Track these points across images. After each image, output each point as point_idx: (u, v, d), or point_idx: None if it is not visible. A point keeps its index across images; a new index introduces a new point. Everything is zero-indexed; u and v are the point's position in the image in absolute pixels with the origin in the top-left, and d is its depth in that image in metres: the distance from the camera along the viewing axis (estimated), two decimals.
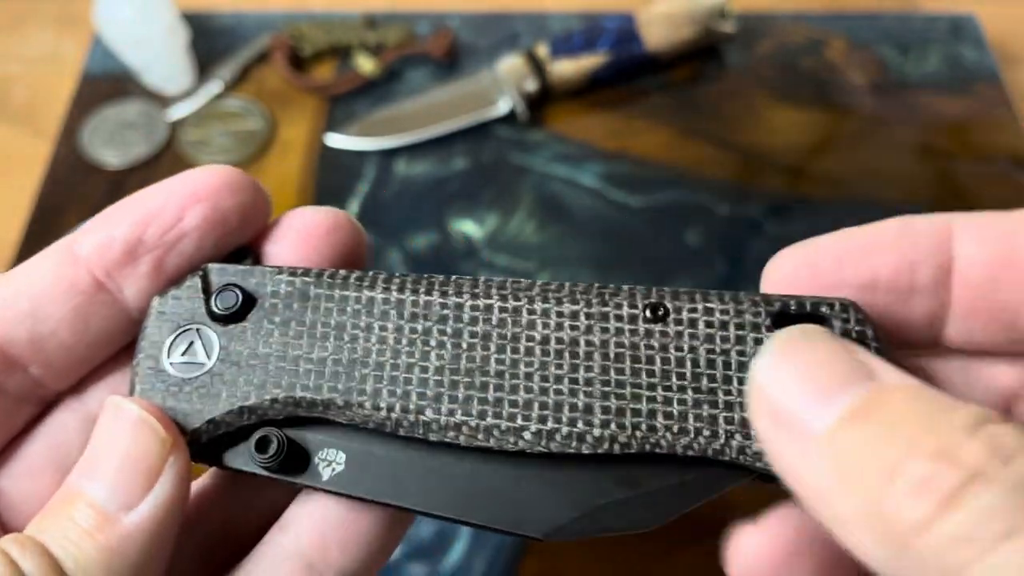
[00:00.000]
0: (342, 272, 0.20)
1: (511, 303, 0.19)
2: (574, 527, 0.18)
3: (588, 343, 0.19)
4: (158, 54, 0.53)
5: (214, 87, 0.54)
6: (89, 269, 0.21)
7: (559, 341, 0.19)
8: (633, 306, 0.19)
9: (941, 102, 0.54)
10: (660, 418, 0.18)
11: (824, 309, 0.19)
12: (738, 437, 0.18)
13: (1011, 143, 0.52)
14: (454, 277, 0.20)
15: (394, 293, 0.19)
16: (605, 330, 0.19)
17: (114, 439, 0.19)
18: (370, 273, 0.20)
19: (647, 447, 0.18)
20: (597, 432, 0.18)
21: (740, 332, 0.19)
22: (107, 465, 0.19)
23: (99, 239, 0.21)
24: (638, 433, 0.18)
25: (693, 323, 0.19)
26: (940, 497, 0.13)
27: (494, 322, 0.19)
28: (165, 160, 0.52)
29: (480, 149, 0.52)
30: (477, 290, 0.19)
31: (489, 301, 0.19)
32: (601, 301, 0.19)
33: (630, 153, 0.52)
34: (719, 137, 0.53)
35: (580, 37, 0.53)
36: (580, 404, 0.18)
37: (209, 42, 0.57)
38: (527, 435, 0.18)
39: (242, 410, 0.19)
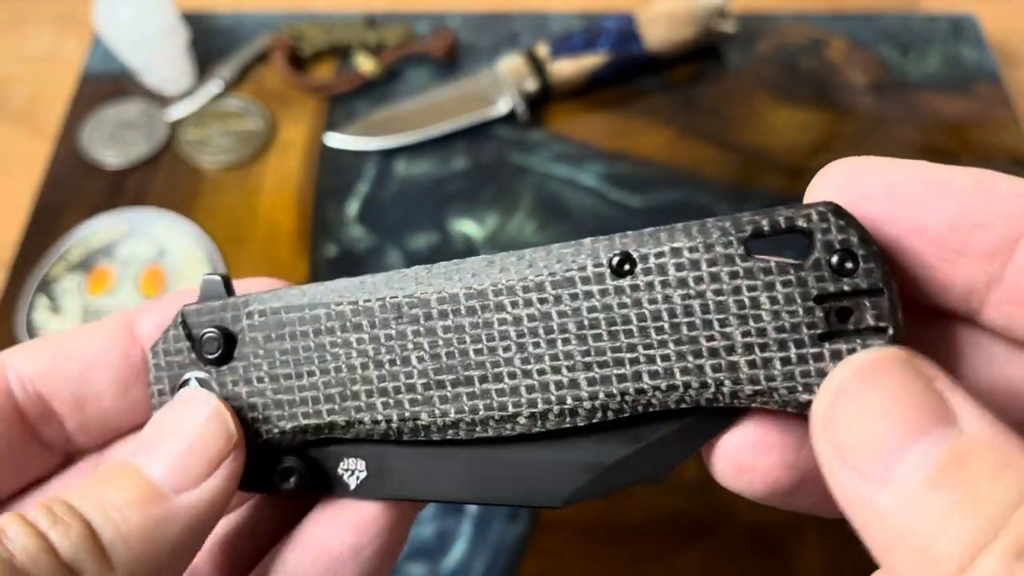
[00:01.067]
0: (302, 288, 0.20)
1: (475, 287, 0.18)
2: (588, 490, 0.18)
3: (560, 314, 0.18)
4: (158, 54, 0.53)
5: (214, 87, 0.54)
6: (143, 347, 0.23)
7: (531, 318, 0.18)
8: (598, 263, 0.18)
9: (941, 102, 0.54)
10: (646, 378, 0.17)
11: (802, 223, 0.17)
12: (728, 383, 0.17)
13: (1011, 143, 0.52)
14: (406, 271, 0.19)
15: (361, 302, 0.19)
16: (574, 296, 0.18)
17: (184, 424, 0.19)
18: (330, 284, 0.20)
19: (639, 408, 0.18)
20: (588, 405, 0.18)
21: (713, 269, 0.17)
22: (171, 446, 0.19)
23: (157, 322, 0.22)
24: (627, 398, 0.18)
25: (662, 269, 0.17)
26: None
27: (463, 311, 0.19)
28: (165, 160, 0.52)
29: (480, 149, 0.52)
30: (439, 280, 0.19)
31: (453, 291, 0.19)
32: (564, 265, 0.18)
33: (630, 153, 0.52)
34: (719, 137, 0.52)
35: (580, 37, 0.53)
36: (565, 380, 0.18)
37: (209, 42, 0.57)
38: (521, 420, 0.18)
39: (256, 447, 0.20)
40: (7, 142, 0.54)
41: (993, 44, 0.57)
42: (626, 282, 0.18)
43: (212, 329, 0.20)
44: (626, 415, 0.18)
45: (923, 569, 0.13)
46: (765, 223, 0.17)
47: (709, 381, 0.17)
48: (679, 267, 0.17)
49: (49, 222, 0.49)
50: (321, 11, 0.59)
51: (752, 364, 0.17)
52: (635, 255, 0.18)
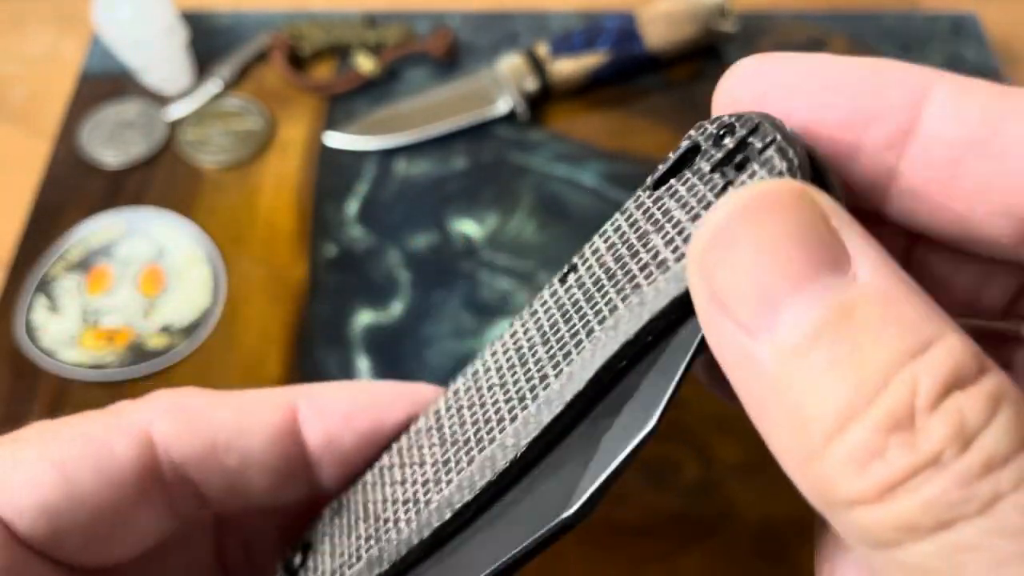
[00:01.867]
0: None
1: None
2: (599, 485, 0.16)
3: (530, 343, 0.18)
4: (157, 54, 0.53)
5: (213, 87, 0.54)
6: (306, 444, 0.22)
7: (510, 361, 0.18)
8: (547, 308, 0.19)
9: None
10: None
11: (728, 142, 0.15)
12: (664, 282, 0.16)
13: None
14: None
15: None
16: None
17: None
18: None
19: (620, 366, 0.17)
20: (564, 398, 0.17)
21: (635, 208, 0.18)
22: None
23: (321, 426, 0.21)
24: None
25: (596, 251, 0.18)
26: (884, 481, 0.12)
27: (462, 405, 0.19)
28: (164, 160, 0.52)
29: (480, 149, 0.52)
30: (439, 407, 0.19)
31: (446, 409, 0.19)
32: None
33: (630, 153, 0.51)
34: None
35: (580, 36, 0.53)
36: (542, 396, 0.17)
37: (208, 42, 0.57)
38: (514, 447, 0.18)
39: None
40: (6, 142, 0.54)
41: (994, 44, 0.57)
42: (570, 277, 0.18)
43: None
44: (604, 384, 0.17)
45: (793, 434, 0.13)
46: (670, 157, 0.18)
47: (647, 291, 0.16)
48: (609, 244, 0.18)
49: (48, 222, 0.49)
50: (320, 10, 0.59)
51: (679, 256, 0.16)
52: (576, 260, 0.18)
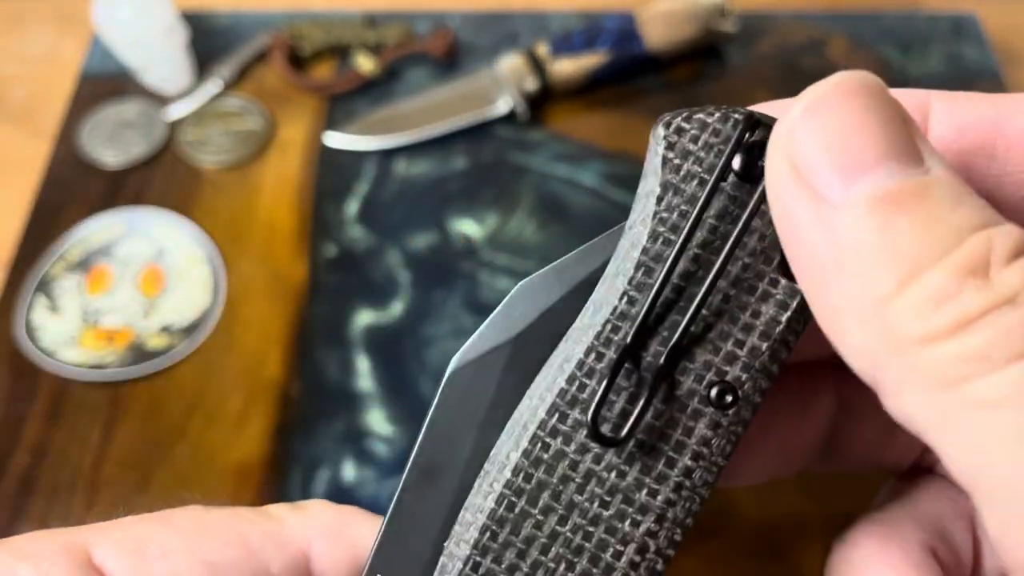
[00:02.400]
0: None
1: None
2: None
3: None
4: (157, 54, 0.53)
5: (213, 87, 0.54)
6: None
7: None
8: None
9: None
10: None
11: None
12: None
13: None
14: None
15: None
16: None
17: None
18: None
19: None
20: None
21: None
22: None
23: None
24: None
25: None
26: (959, 317, 0.12)
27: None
28: (164, 160, 0.52)
29: (480, 149, 0.52)
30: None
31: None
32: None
33: (630, 153, 0.51)
34: None
35: (580, 36, 0.53)
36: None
37: (208, 42, 0.57)
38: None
39: None
40: (6, 142, 0.54)
41: (994, 43, 0.57)
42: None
43: None
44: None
45: (862, 284, 0.13)
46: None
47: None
48: None
49: (48, 222, 0.49)
50: (320, 10, 0.59)
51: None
52: None
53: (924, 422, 0.13)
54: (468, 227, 0.49)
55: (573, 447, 0.17)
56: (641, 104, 0.54)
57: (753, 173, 0.16)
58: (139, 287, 0.46)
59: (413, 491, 0.19)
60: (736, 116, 0.17)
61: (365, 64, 0.55)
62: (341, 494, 0.40)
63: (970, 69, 0.55)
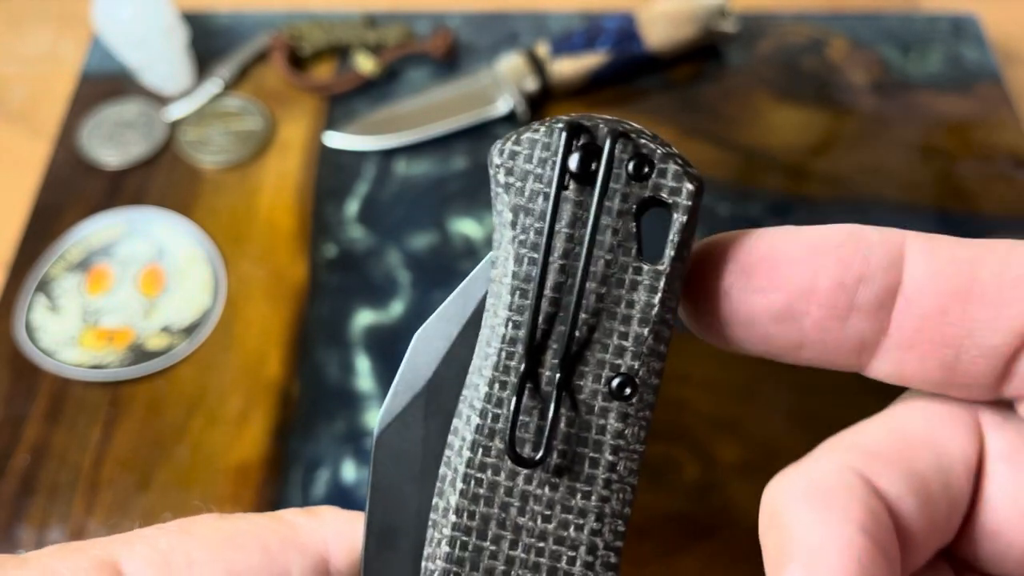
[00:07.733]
0: None
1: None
2: None
3: None
4: (157, 54, 0.53)
5: (213, 87, 0.54)
6: None
7: None
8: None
9: (942, 102, 0.54)
10: None
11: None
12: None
13: (1012, 143, 0.51)
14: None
15: None
16: None
17: None
18: None
19: None
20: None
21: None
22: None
23: None
24: None
25: None
26: None
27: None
28: (164, 160, 0.52)
29: (480, 149, 0.52)
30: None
31: None
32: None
33: None
34: (719, 137, 0.52)
35: (580, 36, 0.53)
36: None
37: (208, 42, 0.57)
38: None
39: None
40: (5, 142, 0.54)
41: (994, 44, 0.57)
42: None
43: None
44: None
45: None
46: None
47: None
48: None
49: (48, 222, 0.49)
50: (320, 10, 0.59)
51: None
52: None
53: None
54: (468, 227, 0.49)
55: (503, 475, 0.17)
56: (641, 104, 0.54)
57: (590, 174, 0.17)
58: (139, 287, 0.46)
59: (375, 559, 0.19)
60: (559, 126, 0.18)
61: (365, 64, 0.55)
62: (341, 494, 0.40)
63: (970, 69, 0.55)
